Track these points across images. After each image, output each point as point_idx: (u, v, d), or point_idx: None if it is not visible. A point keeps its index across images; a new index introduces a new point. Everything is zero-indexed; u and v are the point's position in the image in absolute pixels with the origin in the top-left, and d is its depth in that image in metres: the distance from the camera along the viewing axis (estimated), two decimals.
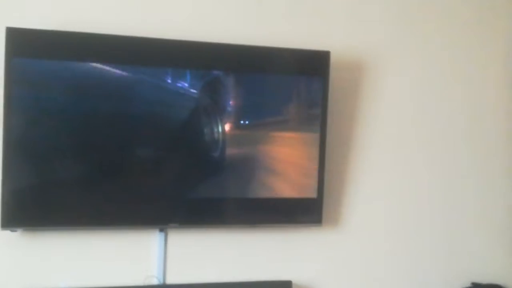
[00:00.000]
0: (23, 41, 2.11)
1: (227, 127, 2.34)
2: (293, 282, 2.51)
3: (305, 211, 2.47)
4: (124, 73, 2.22)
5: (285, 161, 2.43)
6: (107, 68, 2.20)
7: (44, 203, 2.17)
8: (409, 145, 2.71)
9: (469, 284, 2.77)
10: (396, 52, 2.68)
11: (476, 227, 2.82)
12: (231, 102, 2.38)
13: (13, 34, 2.09)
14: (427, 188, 2.75)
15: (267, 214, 2.44)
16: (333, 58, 2.44)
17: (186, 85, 2.29)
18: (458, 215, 2.79)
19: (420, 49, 2.72)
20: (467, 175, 2.80)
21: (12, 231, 2.17)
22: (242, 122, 2.38)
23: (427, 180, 2.74)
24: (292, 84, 2.44)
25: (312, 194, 2.44)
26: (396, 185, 2.70)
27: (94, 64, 2.19)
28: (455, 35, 2.77)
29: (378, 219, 2.68)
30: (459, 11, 2.77)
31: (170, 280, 2.39)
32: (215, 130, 2.33)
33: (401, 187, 2.71)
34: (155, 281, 2.36)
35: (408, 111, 2.71)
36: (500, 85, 2.83)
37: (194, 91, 2.30)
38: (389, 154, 2.68)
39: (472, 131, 2.80)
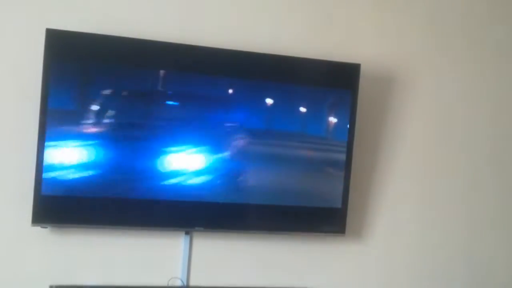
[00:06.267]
0: (63, 43, 2.15)
1: (253, 135, 2.37)
2: None
3: (329, 221, 2.49)
4: (165, 78, 2.27)
5: (311, 170, 2.45)
6: (148, 72, 2.25)
7: (75, 202, 2.22)
8: (436, 158, 2.72)
9: None
10: (426, 66, 2.69)
11: (501, 242, 2.82)
12: (258, 111, 2.41)
13: (53, 36, 2.13)
14: (453, 202, 2.75)
15: (291, 222, 2.46)
16: (362, 71, 2.45)
17: (217, 92, 2.33)
18: (483, 229, 2.79)
19: (450, 63, 2.72)
20: (494, 191, 2.80)
21: (42, 227, 2.22)
22: (268, 130, 2.41)
23: (452, 194, 2.74)
24: (321, 95, 2.46)
25: (337, 204, 2.46)
26: (420, 198, 2.71)
27: (134, 68, 2.24)
28: (486, 50, 2.77)
29: (401, 230, 2.68)
30: (491, 26, 2.77)
31: (193, 283, 2.42)
32: (242, 137, 2.36)
33: (426, 200, 2.71)
34: (178, 283, 2.39)
35: (437, 125, 2.71)
36: None
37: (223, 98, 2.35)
38: (415, 168, 2.69)
39: (502, 148, 2.80)
